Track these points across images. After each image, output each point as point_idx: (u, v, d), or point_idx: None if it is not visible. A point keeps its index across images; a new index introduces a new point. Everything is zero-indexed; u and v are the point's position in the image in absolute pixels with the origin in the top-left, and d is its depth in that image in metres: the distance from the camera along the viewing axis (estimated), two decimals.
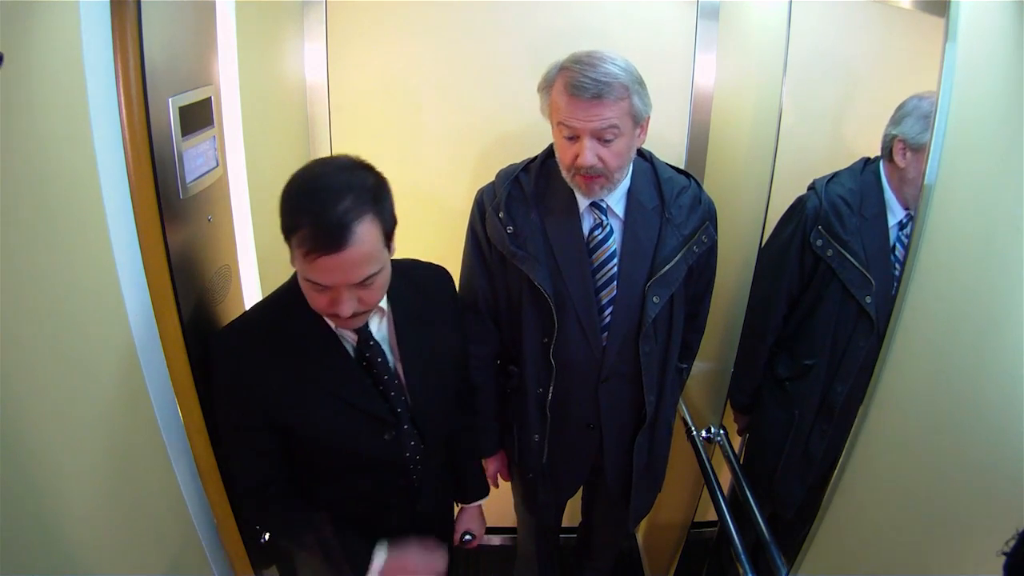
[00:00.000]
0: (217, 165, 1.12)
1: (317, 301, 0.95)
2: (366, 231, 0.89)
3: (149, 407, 0.97)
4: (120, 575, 0.90)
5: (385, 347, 1.09)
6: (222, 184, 1.16)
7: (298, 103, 1.67)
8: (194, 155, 1.03)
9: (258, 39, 1.39)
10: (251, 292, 1.30)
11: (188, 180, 1.01)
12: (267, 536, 1.24)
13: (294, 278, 1.05)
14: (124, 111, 0.89)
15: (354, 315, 0.95)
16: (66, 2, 0.78)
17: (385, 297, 1.05)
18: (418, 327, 1.12)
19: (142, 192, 0.93)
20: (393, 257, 1.02)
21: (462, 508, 1.40)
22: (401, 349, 1.10)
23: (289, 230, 0.90)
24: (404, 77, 1.72)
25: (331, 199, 0.86)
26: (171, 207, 0.98)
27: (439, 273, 1.24)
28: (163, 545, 1.02)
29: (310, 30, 1.66)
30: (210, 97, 1.09)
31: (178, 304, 1.01)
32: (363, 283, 0.92)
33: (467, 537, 1.39)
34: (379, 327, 1.09)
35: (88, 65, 0.81)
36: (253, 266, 1.31)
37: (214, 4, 1.13)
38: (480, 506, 1.42)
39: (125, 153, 0.90)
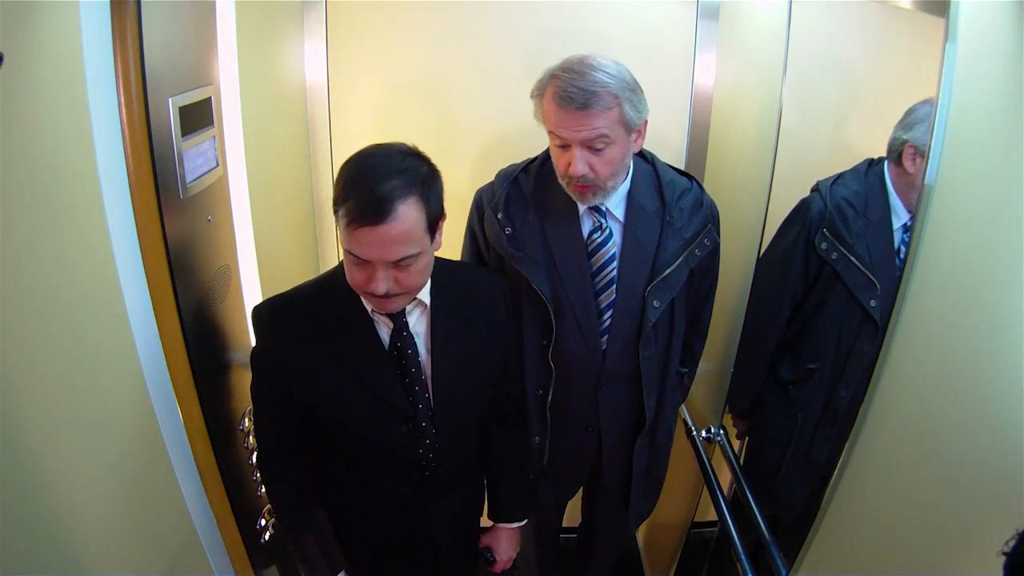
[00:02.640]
0: (217, 165, 1.13)
1: (356, 277, 0.98)
2: (408, 211, 0.92)
3: (149, 407, 0.97)
4: (120, 575, 0.90)
5: (419, 342, 1.10)
6: (222, 184, 1.16)
7: (298, 103, 1.67)
8: (194, 155, 1.03)
9: (258, 39, 1.39)
10: (251, 292, 1.30)
11: (188, 180, 1.02)
12: (267, 536, 1.25)
13: (342, 264, 1.08)
14: (124, 111, 0.89)
15: (388, 295, 0.97)
16: (66, 2, 0.78)
17: (428, 293, 1.09)
18: (455, 328, 1.12)
19: (142, 192, 0.93)
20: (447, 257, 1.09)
21: (493, 525, 1.38)
22: (433, 345, 1.11)
23: (338, 202, 0.93)
24: (404, 77, 1.72)
25: (380, 176, 0.91)
26: (171, 207, 0.98)
27: (495, 282, 1.23)
28: (163, 545, 1.03)
29: (310, 30, 1.66)
30: (210, 97, 1.09)
31: (178, 304, 1.01)
32: (400, 263, 0.95)
33: (487, 556, 1.36)
34: (417, 321, 1.10)
35: (88, 65, 0.81)
36: (253, 266, 1.31)
37: (214, 4, 1.13)
38: (514, 529, 1.37)
39: (125, 153, 0.90)
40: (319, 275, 1.13)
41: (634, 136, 1.20)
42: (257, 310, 1.08)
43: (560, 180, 1.23)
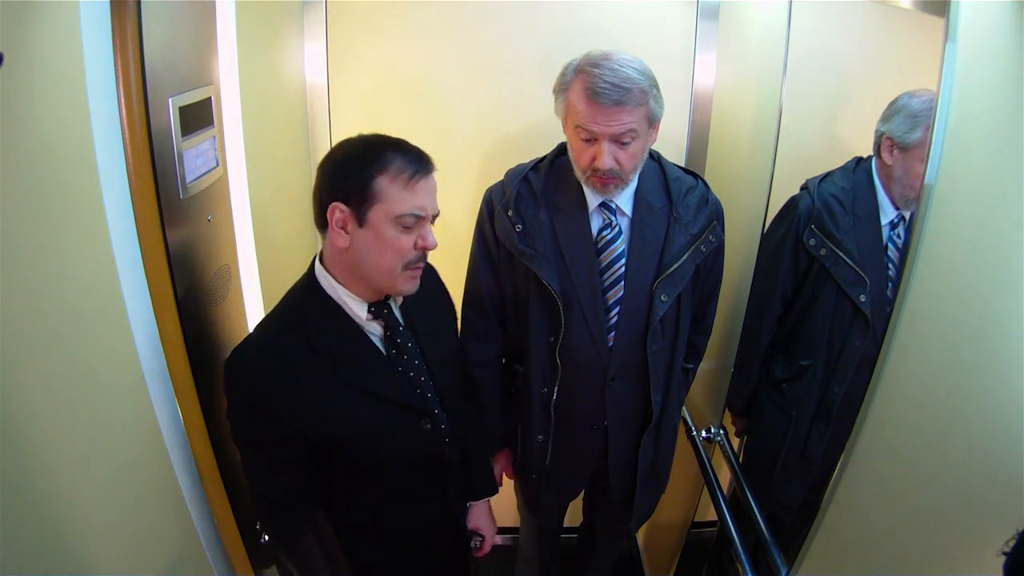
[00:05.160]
0: (217, 165, 1.13)
1: (402, 243, 0.99)
2: None
3: (149, 407, 0.97)
4: (120, 575, 0.90)
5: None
6: (222, 184, 1.16)
7: (298, 103, 1.67)
8: (194, 155, 1.03)
9: (258, 39, 1.39)
10: (251, 292, 1.30)
11: (188, 180, 1.02)
12: (267, 536, 1.24)
13: (301, 282, 1.06)
14: (124, 111, 0.89)
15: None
16: (66, 2, 0.78)
17: None
18: (425, 315, 1.15)
19: (142, 192, 0.93)
20: None
21: (471, 505, 1.39)
22: (417, 334, 1.12)
23: (371, 176, 0.96)
24: (404, 77, 1.72)
25: (400, 142, 1.01)
26: (171, 207, 0.98)
27: (427, 269, 1.22)
28: (163, 545, 1.02)
29: (310, 30, 1.66)
30: (210, 97, 1.09)
31: (178, 304, 1.01)
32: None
33: (473, 543, 1.37)
34: (398, 313, 1.11)
35: (88, 65, 0.81)
36: (253, 266, 1.31)
37: (214, 4, 1.13)
38: (488, 503, 1.41)
39: (125, 153, 0.90)
40: (280, 303, 1.06)
41: (651, 131, 1.23)
42: (236, 363, 0.99)
43: (579, 174, 1.25)
